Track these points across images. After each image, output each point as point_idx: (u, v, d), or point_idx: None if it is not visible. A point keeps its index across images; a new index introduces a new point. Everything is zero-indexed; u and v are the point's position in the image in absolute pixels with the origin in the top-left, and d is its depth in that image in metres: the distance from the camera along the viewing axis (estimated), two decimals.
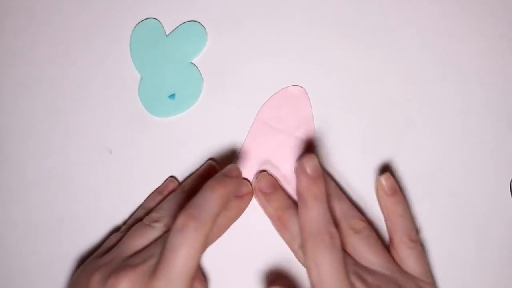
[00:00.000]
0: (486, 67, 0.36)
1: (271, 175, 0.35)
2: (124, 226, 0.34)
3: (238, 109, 0.36)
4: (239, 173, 0.32)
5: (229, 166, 0.32)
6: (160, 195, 0.35)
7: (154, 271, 0.28)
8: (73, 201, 0.36)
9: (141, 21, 0.38)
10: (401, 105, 0.36)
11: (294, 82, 0.36)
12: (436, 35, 0.37)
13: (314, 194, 0.30)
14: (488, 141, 0.36)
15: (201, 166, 0.36)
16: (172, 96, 0.36)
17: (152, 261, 0.29)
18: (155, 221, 0.32)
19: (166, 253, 0.28)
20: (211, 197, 0.29)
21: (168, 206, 0.33)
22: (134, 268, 0.29)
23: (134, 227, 0.33)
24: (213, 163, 0.36)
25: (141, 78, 0.37)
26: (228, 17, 0.37)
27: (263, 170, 0.35)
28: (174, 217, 0.29)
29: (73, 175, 0.36)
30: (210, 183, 0.30)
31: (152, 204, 0.35)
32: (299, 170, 0.31)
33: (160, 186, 0.36)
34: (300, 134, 0.36)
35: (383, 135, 0.36)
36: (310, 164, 0.31)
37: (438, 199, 0.35)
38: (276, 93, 0.36)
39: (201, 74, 0.37)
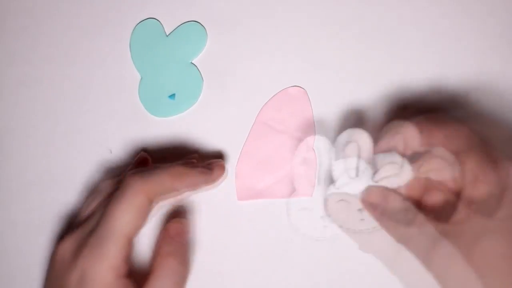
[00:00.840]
0: (486, 67, 0.36)
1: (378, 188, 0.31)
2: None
3: (238, 109, 0.36)
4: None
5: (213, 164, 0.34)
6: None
7: (92, 229, 0.30)
8: (73, 201, 0.36)
9: (141, 21, 0.38)
10: (401, 105, 0.36)
11: (294, 83, 0.36)
12: (436, 35, 0.37)
13: None
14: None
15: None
16: (172, 96, 0.37)
17: (93, 221, 0.30)
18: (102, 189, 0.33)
19: (105, 210, 0.30)
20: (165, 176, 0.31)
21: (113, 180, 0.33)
22: (77, 228, 0.31)
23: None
24: (145, 154, 0.36)
25: (141, 78, 0.37)
26: (228, 17, 0.37)
27: None
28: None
29: (73, 175, 0.36)
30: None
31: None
32: None
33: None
34: (301, 135, 0.36)
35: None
36: None
37: None
38: (276, 94, 0.36)
39: (201, 74, 0.37)
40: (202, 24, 0.37)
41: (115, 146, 0.36)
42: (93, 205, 0.32)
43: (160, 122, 0.37)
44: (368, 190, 0.31)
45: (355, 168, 0.31)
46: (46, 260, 0.35)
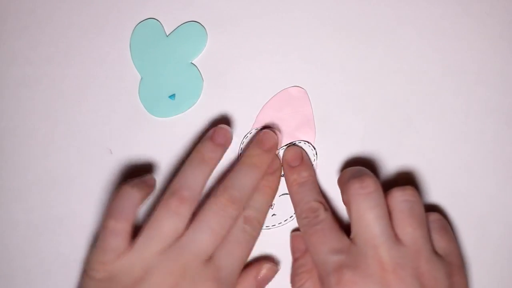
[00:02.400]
0: (486, 67, 0.36)
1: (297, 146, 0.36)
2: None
3: (238, 109, 0.36)
4: (275, 143, 0.35)
5: (265, 133, 0.35)
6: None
7: (213, 261, 0.31)
8: (73, 201, 0.36)
9: (141, 21, 0.38)
10: (401, 105, 0.36)
11: (295, 83, 0.36)
12: (436, 35, 0.37)
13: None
14: (488, 141, 0.36)
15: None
16: (172, 96, 0.37)
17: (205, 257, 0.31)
18: (184, 200, 0.31)
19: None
20: (264, 201, 0.34)
21: (194, 183, 0.32)
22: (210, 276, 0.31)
23: (158, 214, 0.31)
24: (226, 127, 0.34)
25: (141, 78, 0.37)
26: (228, 17, 0.37)
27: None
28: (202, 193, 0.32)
29: (73, 175, 0.36)
30: (247, 161, 0.33)
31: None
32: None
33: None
34: (301, 135, 0.36)
35: (383, 135, 0.36)
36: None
37: (438, 199, 0.35)
38: (276, 94, 0.36)
39: (201, 74, 0.37)
40: (202, 24, 0.37)
41: (115, 146, 0.36)
42: (176, 227, 0.31)
43: (160, 122, 0.37)
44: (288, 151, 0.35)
45: None
46: (46, 262, 0.35)
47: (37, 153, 0.37)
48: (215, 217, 0.31)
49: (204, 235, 0.31)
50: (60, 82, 0.37)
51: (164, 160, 0.36)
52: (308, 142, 0.36)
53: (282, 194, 0.35)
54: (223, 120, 0.36)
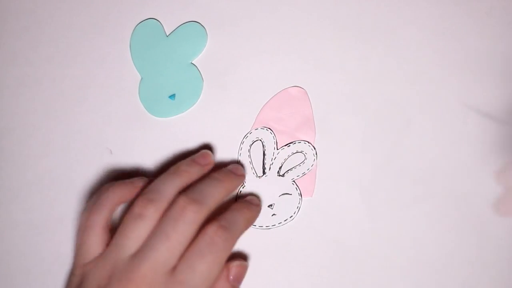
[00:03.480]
0: (486, 67, 0.36)
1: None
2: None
3: (238, 109, 0.36)
4: (243, 175, 0.35)
5: (238, 167, 0.35)
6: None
7: (174, 274, 0.29)
8: (73, 201, 0.36)
9: (141, 22, 0.38)
10: (401, 105, 0.36)
11: (294, 83, 0.36)
12: (436, 35, 0.37)
13: None
14: (488, 141, 0.36)
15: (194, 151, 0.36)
16: (172, 96, 0.37)
17: (165, 267, 0.29)
18: (149, 201, 0.31)
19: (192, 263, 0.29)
20: (240, 218, 0.32)
21: (162, 187, 0.31)
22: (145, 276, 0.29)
23: (124, 219, 0.31)
24: (209, 152, 0.35)
25: (141, 78, 0.37)
26: (228, 17, 0.37)
27: None
28: (170, 202, 0.31)
29: (73, 175, 0.36)
30: (238, 205, 0.33)
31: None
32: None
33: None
34: (301, 135, 0.36)
35: (383, 135, 0.36)
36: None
37: (438, 199, 0.35)
38: (276, 94, 0.36)
39: (201, 74, 0.37)
40: (202, 24, 0.37)
41: (115, 146, 0.36)
42: (141, 232, 0.30)
43: (160, 122, 0.37)
44: None
45: (261, 166, 0.36)
46: (46, 262, 0.35)
47: (37, 153, 0.37)
48: (171, 223, 0.29)
49: (159, 243, 0.29)
50: (60, 82, 0.37)
51: (164, 160, 0.36)
52: (308, 142, 0.36)
53: (283, 194, 0.35)
54: (223, 120, 0.36)
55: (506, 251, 0.35)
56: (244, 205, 0.33)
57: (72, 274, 0.31)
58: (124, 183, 0.33)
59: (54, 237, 0.36)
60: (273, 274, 0.35)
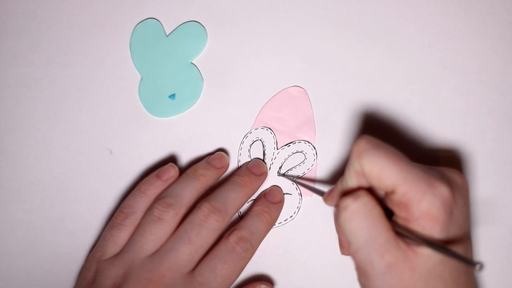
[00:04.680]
0: (486, 67, 0.36)
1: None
2: (119, 213, 0.33)
3: (238, 109, 0.36)
4: (265, 172, 0.35)
5: (258, 163, 0.35)
6: (159, 180, 0.33)
7: (194, 276, 0.30)
8: (73, 201, 0.36)
9: (141, 21, 0.38)
10: (401, 105, 0.36)
11: (294, 83, 0.36)
12: (436, 35, 0.37)
13: None
14: (488, 141, 0.36)
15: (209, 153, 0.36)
16: (172, 96, 0.37)
17: (185, 269, 0.30)
18: (169, 206, 0.31)
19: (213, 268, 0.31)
20: (261, 225, 0.33)
21: (182, 192, 0.32)
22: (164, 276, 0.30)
23: (143, 221, 0.32)
24: (224, 154, 0.35)
25: (141, 78, 0.37)
26: (228, 17, 0.37)
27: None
28: (189, 206, 0.32)
29: (73, 175, 0.36)
30: (259, 209, 0.33)
31: (151, 188, 0.33)
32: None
33: (158, 170, 0.34)
34: (301, 134, 0.36)
35: (383, 135, 0.36)
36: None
37: None
38: (276, 94, 0.36)
39: (201, 74, 0.37)
40: (202, 24, 0.37)
41: (115, 146, 0.36)
42: (159, 234, 0.31)
43: (160, 122, 0.37)
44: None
45: None
46: (46, 262, 0.35)
47: (37, 153, 0.37)
48: (194, 228, 0.31)
49: (181, 245, 0.30)
50: (60, 82, 0.37)
51: (164, 160, 0.36)
52: (308, 142, 0.36)
53: (284, 194, 0.35)
54: (223, 120, 0.36)
55: (506, 251, 0.35)
56: (264, 209, 0.33)
57: (86, 268, 0.32)
58: (155, 186, 0.33)
59: (54, 237, 0.36)
60: (273, 274, 0.35)
